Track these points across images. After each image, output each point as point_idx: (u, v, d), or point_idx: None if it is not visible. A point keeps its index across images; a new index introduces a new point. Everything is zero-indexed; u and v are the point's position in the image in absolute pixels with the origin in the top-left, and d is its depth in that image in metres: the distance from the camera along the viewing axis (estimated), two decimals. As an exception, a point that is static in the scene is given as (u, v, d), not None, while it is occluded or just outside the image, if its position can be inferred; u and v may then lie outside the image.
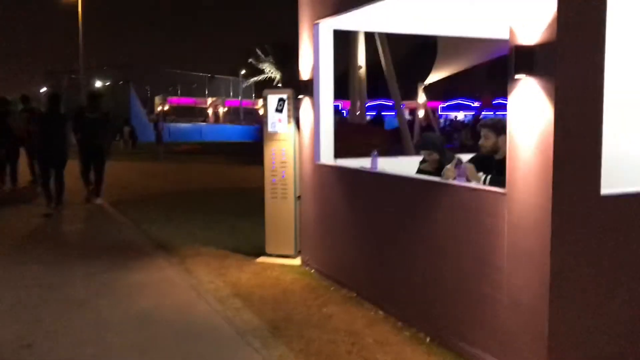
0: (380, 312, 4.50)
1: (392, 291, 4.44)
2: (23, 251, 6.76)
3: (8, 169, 12.07)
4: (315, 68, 5.56)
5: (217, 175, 16.26)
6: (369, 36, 22.22)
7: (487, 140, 4.25)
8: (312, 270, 5.71)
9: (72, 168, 10.47)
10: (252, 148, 27.02)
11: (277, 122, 6.08)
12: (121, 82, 42.73)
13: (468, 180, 3.97)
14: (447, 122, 35.22)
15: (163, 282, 5.49)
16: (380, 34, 21.77)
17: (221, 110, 54.86)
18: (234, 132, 46.50)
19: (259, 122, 53.64)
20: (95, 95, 10.90)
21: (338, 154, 5.68)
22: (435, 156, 5.28)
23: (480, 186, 3.61)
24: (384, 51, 20.42)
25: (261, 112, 45.64)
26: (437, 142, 5.44)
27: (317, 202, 5.65)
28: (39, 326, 4.33)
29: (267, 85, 48.38)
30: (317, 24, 5.49)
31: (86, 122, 9.96)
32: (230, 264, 6.06)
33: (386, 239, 4.56)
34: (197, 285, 5.34)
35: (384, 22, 6.10)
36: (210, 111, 55.19)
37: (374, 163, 5.17)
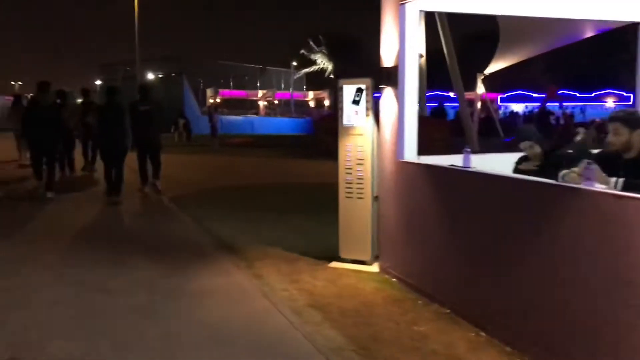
0: (482, 334, 3.92)
1: (498, 310, 3.86)
2: (81, 249, 6.45)
3: (65, 158, 12.49)
4: (401, 54, 4.99)
5: (273, 169, 15.90)
6: (429, 22, 21.38)
7: (618, 136, 3.60)
8: (394, 279, 5.17)
9: (131, 161, 10.39)
10: (304, 141, 26.66)
11: (354, 115, 5.54)
12: (174, 75, 42.98)
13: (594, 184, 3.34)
14: (507, 114, 33.90)
15: (232, 289, 5.05)
16: (442, 19, 20.79)
17: (272, 102, 54.77)
18: (285, 125, 46.31)
19: (309, 114, 53.35)
20: (146, 87, 10.94)
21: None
22: (538, 149, 4.69)
23: (628, 193, 2.97)
24: (446, 38, 19.57)
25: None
26: (536, 136, 4.84)
27: (400, 203, 5.10)
28: (105, 340, 3.95)
29: (319, 76, 47.82)
30: (404, 4, 4.92)
31: (139, 114, 9.96)
32: (301, 268, 5.59)
33: (490, 250, 3.97)
34: (270, 293, 4.88)
35: (472, 2, 5.49)
36: (261, 103, 55.15)
37: (466, 161, 4.59)
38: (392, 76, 5.12)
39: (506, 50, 14.81)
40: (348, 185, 5.63)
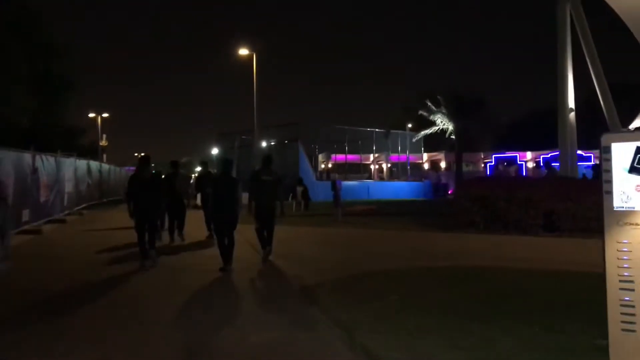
0: None
1: None
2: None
3: (175, 226, 13.19)
4: None
5: (417, 245, 13.40)
6: (579, 71, 18.75)
7: None
8: None
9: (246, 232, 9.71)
10: (434, 208, 24.23)
11: (634, 192, 3.35)
12: (287, 142, 42.50)
13: None
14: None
15: None
16: (596, 64, 18.08)
17: (385, 165, 52.95)
18: (401, 189, 44.26)
19: (426, 177, 50.76)
20: (268, 158, 10.91)
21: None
22: None
23: None
24: (602, 88, 16.89)
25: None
26: None
27: None
28: None
29: (434, 137, 45.57)
30: None
31: (261, 184, 10.38)
32: None
33: None
34: None
35: None
36: (373, 167, 53.46)
37: None
38: None
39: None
40: (626, 310, 3.37)
